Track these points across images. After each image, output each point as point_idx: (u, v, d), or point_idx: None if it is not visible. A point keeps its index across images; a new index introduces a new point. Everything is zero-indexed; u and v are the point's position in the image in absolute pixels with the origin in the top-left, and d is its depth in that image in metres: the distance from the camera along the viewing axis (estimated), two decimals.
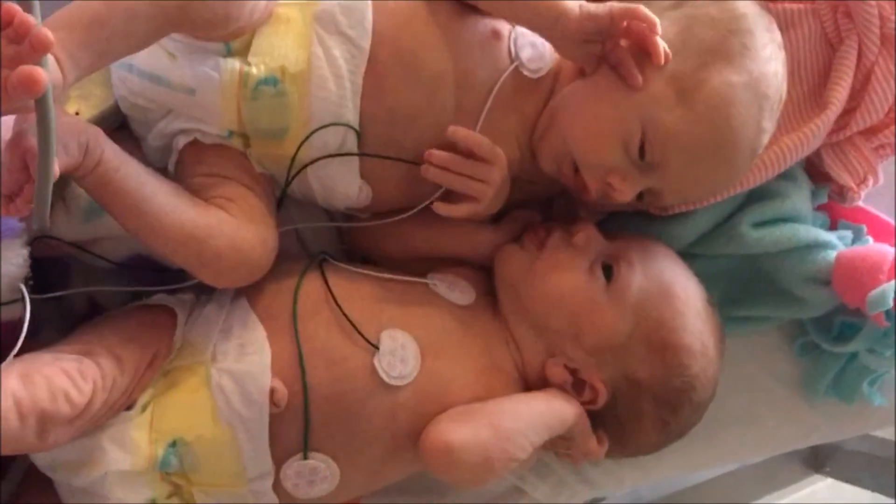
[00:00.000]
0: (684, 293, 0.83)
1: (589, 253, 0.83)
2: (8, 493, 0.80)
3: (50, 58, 0.60)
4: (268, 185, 0.81)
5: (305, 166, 0.79)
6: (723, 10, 0.79)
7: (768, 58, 0.80)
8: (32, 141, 0.61)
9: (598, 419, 0.84)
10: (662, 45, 0.77)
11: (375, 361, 0.78)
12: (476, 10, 0.81)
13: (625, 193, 0.81)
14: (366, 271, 0.84)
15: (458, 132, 0.79)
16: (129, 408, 0.75)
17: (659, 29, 0.77)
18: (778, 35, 0.83)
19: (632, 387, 0.82)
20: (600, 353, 0.82)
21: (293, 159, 0.78)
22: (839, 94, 0.90)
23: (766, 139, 0.82)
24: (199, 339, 0.78)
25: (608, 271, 0.82)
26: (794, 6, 0.92)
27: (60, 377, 0.68)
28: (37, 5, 0.57)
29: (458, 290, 0.85)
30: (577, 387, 0.83)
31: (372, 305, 0.81)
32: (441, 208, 0.82)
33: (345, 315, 0.78)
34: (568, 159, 0.82)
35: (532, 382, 0.84)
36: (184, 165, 0.79)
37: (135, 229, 0.73)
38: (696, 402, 0.84)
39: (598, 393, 0.82)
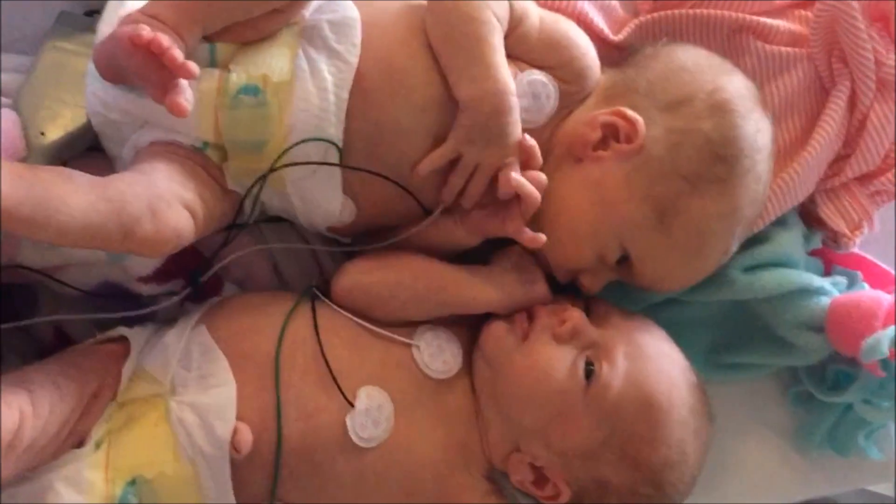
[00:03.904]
0: (668, 401, 0.78)
1: (574, 345, 0.79)
2: None
3: None
4: (221, 190, 0.78)
5: (279, 167, 0.76)
6: (717, 127, 0.78)
7: (752, 181, 0.80)
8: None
9: None
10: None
11: (348, 420, 0.76)
12: None
13: (593, 290, 0.84)
14: (353, 316, 0.81)
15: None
16: (80, 445, 0.73)
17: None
18: (769, 140, 0.83)
19: (599, 488, 0.79)
20: (569, 458, 0.79)
21: (270, 170, 0.76)
22: (819, 139, 0.89)
23: (735, 248, 0.85)
24: (157, 368, 0.76)
25: (589, 369, 0.78)
26: (789, 50, 0.92)
27: None
28: None
29: (440, 360, 0.81)
30: (538, 483, 0.81)
31: (353, 355, 0.79)
32: (533, 239, 0.78)
33: (329, 368, 0.76)
34: (541, 254, 0.82)
35: (496, 464, 0.82)
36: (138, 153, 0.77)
37: (47, 238, 0.65)
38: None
39: (561, 493, 0.80)
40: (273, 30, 0.77)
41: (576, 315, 0.80)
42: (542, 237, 0.78)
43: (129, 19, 0.72)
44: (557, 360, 0.78)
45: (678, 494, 0.81)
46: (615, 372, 0.78)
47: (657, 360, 0.80)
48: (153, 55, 0.67)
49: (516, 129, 0.77)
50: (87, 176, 0.67)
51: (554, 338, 0.79)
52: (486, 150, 0.77)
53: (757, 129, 0.81)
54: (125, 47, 0.68)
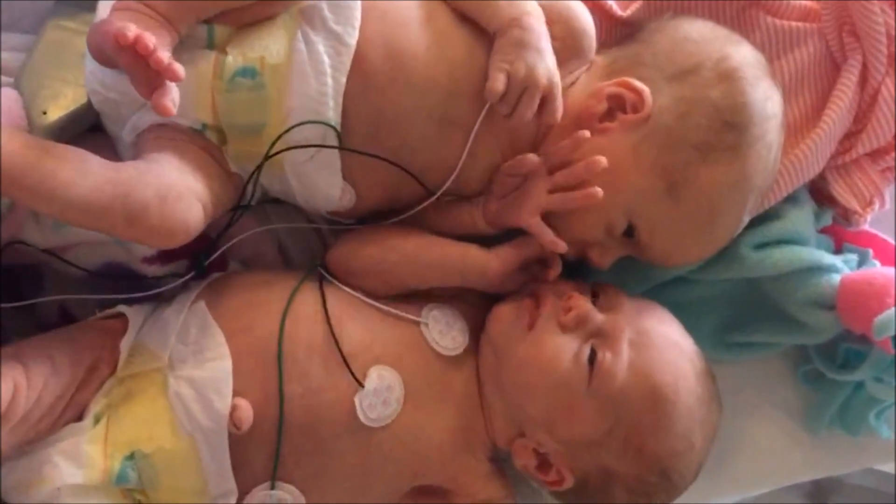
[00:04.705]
0: (674, 393, 0.77)
1: (579, 334, 0.78)
2: None
3: None
4: (226, 175, 0.78)
5: (277, 152, 0.75)
6: (725, 95, 0.78)
7: (763, 149, 0.79)
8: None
9: (568, 492, 0.81)
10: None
11: (357, 399, 0.75)
12: (477, 23, 0.79)
13: (603, 265, 0.83)
14: (361, 295, 0.80)
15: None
16: (79, 419, 0.73)
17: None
18: (780, 108, 0.82)
19: (604, 476, 0.79)
20: (573, 446, 0.78)
21: (266, 156, 0.75)
22: (831, 115, 0.88)
23: (747, 220, 0.84)
24: (156, 344, 0.76)
25: (593, 357, 0.77)
26: (800, 25, 0.91)
27: None
28: None
29: (449, 337, 0.81)
30: (542, 468, 0.80)
31: (363, 334, 0.78)
32: (552, 242, 0.79)
33: (339, 348, 0.75)
34: (547, 223, 0.81)
35: (500, 447, 0.82)
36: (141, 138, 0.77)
37: (51, 213, 0.67)
38: (673, 492, 0.81)
39: (565, 479, 0.80)
40: (270, 14, 0.76)
41: (581, 303, 0.79)
42: (563, 244, 0.78)
43: (121, 5, 0.71)
44: (562, 350, 0.77)
45: (684, 482, 0.81)
46: (619, 362, 0.77)
47: (664, 349, 0.79)
48: (139, 55, 0.66)
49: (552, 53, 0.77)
50: (99, 158, 0.68)
51: (559, 326, 0.79)
52: (533, 64, 0.75)
53: (766, 97, 0.80)
54: (111, 44, 0.66)
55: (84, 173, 0.65)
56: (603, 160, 0.76)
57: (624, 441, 0.77)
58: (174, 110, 0.67)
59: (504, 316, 0.81)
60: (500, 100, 0.75)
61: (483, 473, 0.81)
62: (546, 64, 0.76)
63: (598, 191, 0.76)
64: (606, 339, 0.78)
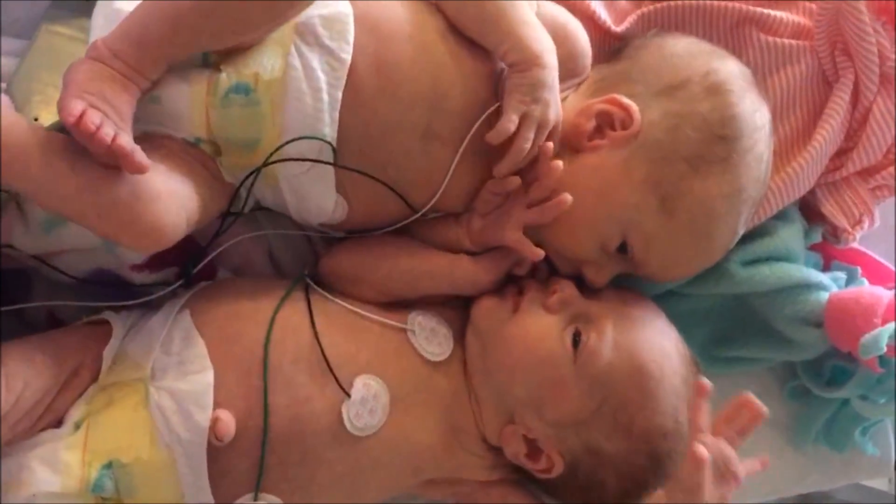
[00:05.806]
0: (659, 370, 0.78)
1: (563, 315, 0.80)
2: None
3: None
4: (219, 183, 0.77)
5: (272, 162, 0.75)
6: (714, 107, 0.78)
7: (753, 160, 0.79)
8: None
9: (558, 481, 0.81)
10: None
11: (343, 409, 0.75)
12: (468, 38, 0.79)
13: (599, 283, 0.83)
14: (347, 304, 0.80)
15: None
16: (59, 424, 0.72)
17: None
18: (768, 119, 0.82)
19: (594, 458, 0.79)
20: (562, 427, 0.79)
21: (264, 163, 0.75)
22: (824, 133, 0.89)
23: (741, 232, 0.85)
24: (139, 353, 0.75)
25: (577, 339, 0.78)
26: (793, 42, 0.91)
27: None
28: None
29: (435, 343, 0.81)
30: (532, 455, 0.80)
31: (348, 343, 0.78)
32: (534, 253, 0.80)
33: (325, 357, 0.75)
34: (542, 243, 0.81)
35: (491, 442, 0.82)
36: None
37: (42, 204, 0.68)
38: (662, 476, 0.81)
39: (554, 465, 0.80)
40: (254, 42, 0.75)
41: (565, 286, 0.81)
42: (540, 251, 0.79)
43: (93, 53, 0.69)
44: (546, 329, 0.79)
45: (673, 465, 0.80)
46: (604, 341, 0.78)
47: (648, 330, 0.81)
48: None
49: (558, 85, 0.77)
50: (92, 165, 0.67)
51: (544, 308, 0.80)
52: (547, 105, 0.76)
53: (754, 109, 0.80)
54: (63, 118, 0.65)
55: (64, 177, 0.65)
56: (559, 164, 0.77)
57: (612, 420, 0.77)
58: (147, 165, 0.66)
59: (488, 304, 0.82)
60: (519, 139, 0.76)
61: (487, 464, 0.82)
62: (556, 101, 0.77)
63: (568, 197, 0.77)
64: (590, 322, 0.79)
